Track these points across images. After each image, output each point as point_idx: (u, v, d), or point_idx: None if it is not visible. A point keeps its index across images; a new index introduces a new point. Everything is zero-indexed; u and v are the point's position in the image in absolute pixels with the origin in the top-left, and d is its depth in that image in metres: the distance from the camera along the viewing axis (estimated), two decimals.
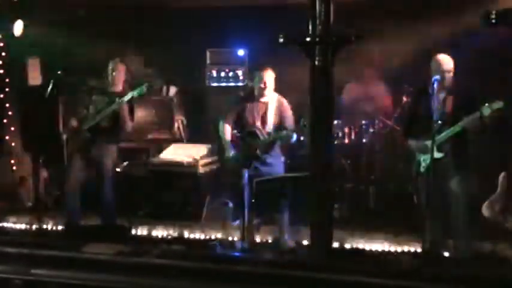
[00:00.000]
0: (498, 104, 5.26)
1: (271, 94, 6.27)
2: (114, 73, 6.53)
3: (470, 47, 6.95)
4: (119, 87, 6.57)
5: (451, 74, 5.53)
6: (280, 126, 6.20)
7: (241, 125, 6.29)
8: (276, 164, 6.24)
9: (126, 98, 6.33)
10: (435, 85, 5.42)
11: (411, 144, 5.73)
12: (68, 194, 6.51)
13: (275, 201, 6.21)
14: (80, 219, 6.53)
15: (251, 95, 6.30)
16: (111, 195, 6.48)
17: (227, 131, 6.34)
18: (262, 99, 6.24)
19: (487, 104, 5.26)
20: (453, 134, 5.43)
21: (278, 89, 6.43)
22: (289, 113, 6.25)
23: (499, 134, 6.55)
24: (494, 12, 4.88)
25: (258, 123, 6.21)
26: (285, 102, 6.29)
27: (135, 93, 6.36)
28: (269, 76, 6.21)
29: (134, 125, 6.60)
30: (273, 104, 6.23)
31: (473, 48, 6.98)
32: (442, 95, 5.51)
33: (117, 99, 6.34)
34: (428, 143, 5.49)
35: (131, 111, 6.49)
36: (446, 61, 5.53)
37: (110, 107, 6.36)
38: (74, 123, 6.51)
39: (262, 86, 6.18)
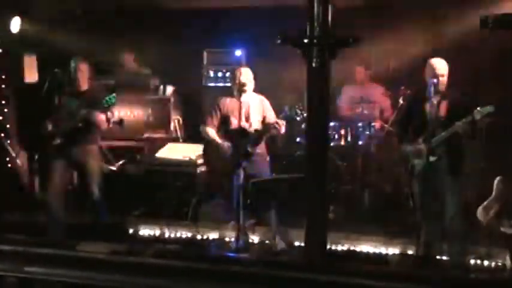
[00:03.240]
0: (489, 109, 5.27)
1: (251, 93, 6.28)
2: (77, 72, 6.32)
3: (466, 50, 6.99)
4: (85, 86, 6.37)
5: (445, 78, 5.53)
6: (264, 122, 6.22)
7: (227, 125, 6.29)
8: (261, 161, 6.24)
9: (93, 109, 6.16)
10: (431, 88, 5.43)
11: (406, 148, 5.75)
12: (50, 195, 6.38)
13: (270, 202, 6.21)
14: (62, 220, 6.40)
15: (232, 95, 6.29)
16: (100, 195, 6.37)
17: (212, 133, 6.31)
18: (243, 99, 6.25)
19: (478, 108, 5.27)
20: (447, 138, 5.44)
21: (275, 88, 6.44)
22: (271, 110, 6.27)
23: (494, 138, 6.59)
24: (491, 16, 4.89)
25: (243, 122, 6.22)
26: (265, 99, 6.32)
27: (103, 103, 6.14)
28: (246, 75, 6.21)
29: (110, 124, 6.35)
30: (254, 102, 6.25)
31: (469, 52, 7.02)
32: (436, 99, 5.52)
33: (82, 111, 6.15)
34: (422, 146, 5.51)
35: (107, 109, 6.27)
36: (440, 65, 5.53)
37: (80, 113, 6.18)
38: (49, 127, 6.37)
39: (240, 84, 6.19)
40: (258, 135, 6.17)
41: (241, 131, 6.19)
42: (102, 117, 6.22)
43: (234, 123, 6.22)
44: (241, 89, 6.21)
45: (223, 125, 6.31)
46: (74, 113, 6.22)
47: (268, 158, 6.39)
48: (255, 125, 6.20)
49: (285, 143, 7.63)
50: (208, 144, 6.41)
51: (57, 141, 6.27)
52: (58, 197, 6.36)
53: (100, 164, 6.60)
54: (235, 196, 5.99)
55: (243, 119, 6.22)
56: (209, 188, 7.22)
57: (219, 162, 6.31)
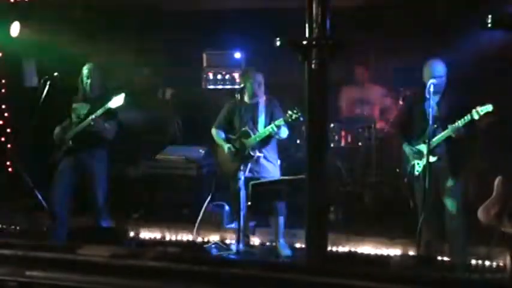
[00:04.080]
0: (488, 108, 5.28)
1: (261, 95, 6.30)
2: (89, 79, 6.31)
3: (465, 51, 6.99)
4: (96, 93, 6.37)
5: (444, 79, 5.54)
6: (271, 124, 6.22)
7: (234, 128, 6.31)
8: (271, 166, 6.23)
9: (99, 112, 6.13)
10: (431, 89, 5.43)
11: (405, 149, 5.75)
12: (54, 197, 6.36)
13: (271, 204, 6.21)
14: (66, 222, 6.39)
15: (241, 98, 6.30)
16: (104, 198, 6.38)
17: (219, 134, 6.40)
18: (252, 101, 6.26)
19: (477, 108, 5.27)
20: (446, 138, 5.45)
21: (274, 91, 6.44)
22: (280, 112, 6.26)
23: (495, 137, 6.59)
24: (490, 16, 4.89)
25: (250, 124, 6.22)
26: (274, 100, 6.33)
27: (110, 105, 6.12)
28: (259, 77, 6.25)
29: (115, 129, 6.35)
30: (262, 104, 6.26)
31: (468, 52, 7.02)
32: (435, 100, 5.52)
33: (91, 117, 6.13)
34: (422, 147, 5.51)
35: (113, 117, 6.31)
36: (438, 66, 5.54)
37: (86, 121, 6.18)
38: (57, 132, 6.39)
39: (256, 87, 6.20)
40: (263, 138, 6.16)
41: (246, 133, 6.20)
42: (112, 127, 6.24)
43: (241, 125, 6.23)
44: (251, 92, 6.22)
45: (231, 127, 6.34)
46: (84, 119, 6.23)
47: (278, 161, 6.38)
48: (262, 127, 6.20)
49: (285, 145, 7.62)
50: (216, 146, 6.48)
51: (67, 144, 6.29)
52: (62, 200, 6.36)
53: (106, 168, 6.60)
54: (237, 198, 6.00)
55: (251, 121, 6.22)
56: (211, 189, 7.23)
57: (224, 164, 6.33)
